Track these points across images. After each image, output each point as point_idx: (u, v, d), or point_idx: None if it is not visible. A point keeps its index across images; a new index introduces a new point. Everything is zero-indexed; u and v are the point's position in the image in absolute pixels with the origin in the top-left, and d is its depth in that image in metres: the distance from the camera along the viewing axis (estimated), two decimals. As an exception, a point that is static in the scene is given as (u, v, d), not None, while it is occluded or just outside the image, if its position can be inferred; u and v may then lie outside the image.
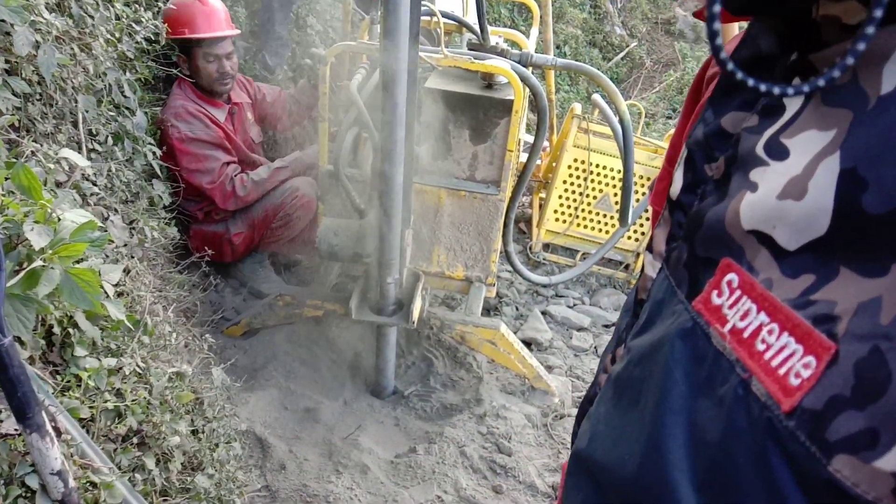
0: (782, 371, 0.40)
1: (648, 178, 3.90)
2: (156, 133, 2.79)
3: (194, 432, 1.87)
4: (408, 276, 2.67)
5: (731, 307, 0.44)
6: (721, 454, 0.42)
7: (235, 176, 3.00)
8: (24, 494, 1.29)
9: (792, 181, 0.42)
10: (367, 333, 2.89)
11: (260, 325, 2.94)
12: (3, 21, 1.82)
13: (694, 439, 0.44)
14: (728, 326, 0.44)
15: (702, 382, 0.45)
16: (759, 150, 0.46)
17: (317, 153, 2.97)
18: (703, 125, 0.54)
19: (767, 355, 0.41)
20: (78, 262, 1.45)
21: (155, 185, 2.58)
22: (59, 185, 1.93)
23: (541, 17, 3.73)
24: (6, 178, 1.47)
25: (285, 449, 2.34)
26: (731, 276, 0.45)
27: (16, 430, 1.33)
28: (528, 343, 3.38)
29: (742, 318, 0.43)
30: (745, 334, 0.43)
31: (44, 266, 1.38)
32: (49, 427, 1.29)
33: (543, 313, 3.64)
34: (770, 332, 0.41)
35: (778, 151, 0.45)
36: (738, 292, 0.44)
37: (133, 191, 2.40)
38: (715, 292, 0.46)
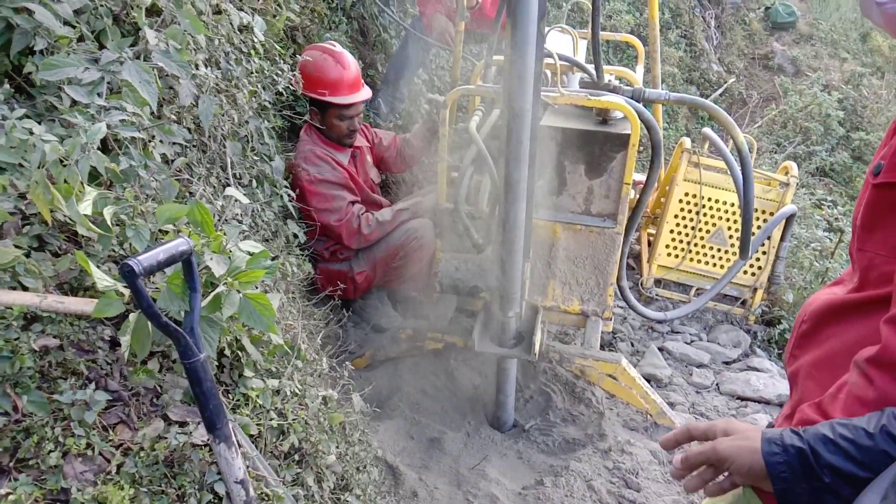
0: None
1: (763, 211, 3.82)
2: (288, 177, 2.99)
3: (339, 455, 1.95)
4: (526, 309, 2.71)
5: None
6: None
7: (361, 215, 3.15)
8: (213, 501, 1.39)
9: None
10: (485, 367, 2.94)
11: (383, 357, 3.04)
12: (167, 76, 2.02)
13: None
14: None
15: None
16: None
17: (435, 198, 3.09)
18: None
19: None
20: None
21: (290, 224, 2.75)
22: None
23: (647, 53, 3.78)
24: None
25: (415, 477, 2.39)
26: None
27: (204, 440, 1.45)
28: (647, 379, 3.33)
29: None
30: None
31: (225, 291, 1.51)
32: (234, 439, 1.39)
33: (660, 349, 3.58)
34: None
35: None
36: None
37: (273, 230, 2.57)
38: None
